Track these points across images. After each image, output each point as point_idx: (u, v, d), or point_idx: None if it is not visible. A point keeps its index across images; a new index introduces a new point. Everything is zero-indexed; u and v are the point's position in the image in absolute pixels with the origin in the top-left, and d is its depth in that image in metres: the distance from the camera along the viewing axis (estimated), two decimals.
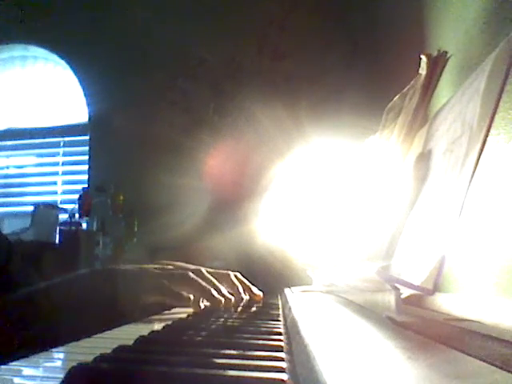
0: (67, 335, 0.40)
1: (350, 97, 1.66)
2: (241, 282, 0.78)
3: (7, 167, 2.32)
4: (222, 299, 0.66)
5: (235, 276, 0.78)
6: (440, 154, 0.43)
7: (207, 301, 0.66)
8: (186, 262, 0.76)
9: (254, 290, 0.80)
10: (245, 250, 1.57)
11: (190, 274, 0.66)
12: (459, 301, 0.42)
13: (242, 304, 0.72)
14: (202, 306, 0.66)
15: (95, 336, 0.45)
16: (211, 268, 0.77)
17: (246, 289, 0.78)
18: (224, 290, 0.68)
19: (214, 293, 0.65)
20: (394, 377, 0.21)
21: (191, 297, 0.64)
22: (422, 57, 0.58)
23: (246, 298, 0.77)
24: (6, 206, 2.26)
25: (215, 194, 1.79)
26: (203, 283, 0.66)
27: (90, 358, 0.29)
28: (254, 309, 0.68)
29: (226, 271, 0.77)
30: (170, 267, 0.71)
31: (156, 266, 0.70)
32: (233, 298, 0.69)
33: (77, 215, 1.92)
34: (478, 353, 0.24)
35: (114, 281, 0.65)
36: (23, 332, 0.56)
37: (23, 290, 0.65)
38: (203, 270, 0.69)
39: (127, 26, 2.04)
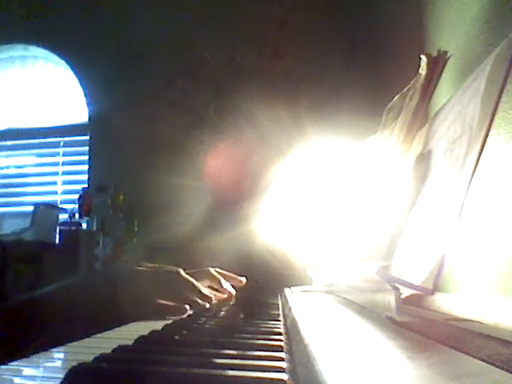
0: (66, 340, 0.40)
1: (349, 97, 1.66)
2: (222, 275, 0.80)
3: (7, 167, 2.32)
4: (207, 304, 0.66)
5: (216, 271, 0.80)
6: (440, 154, 0.43)
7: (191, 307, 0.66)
8: (182, 263, 0.76)
9: (236, 277, 0.82)
10: (245, 250, 1.57)
11: (176, 284, 0.66)
12: (459, 301, 0.42)
13: (231, 295, 0.73)
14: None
15: (95, 336, 0.45)
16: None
17: (229, 278, 0.81)
18: (204, 290, 0.68)
19: (199, 301, 0.66)
20: (394, 377, 0.21)
21: (187, 307, 0.65)
22: (422, 57, 0.58)
23: (230, 289, 0.79)
24: (6, 206, 2.26)
25: (215, 194, 1.79)
26: (188, 294, 0.66)
27: (90, 358, 0.29)
28: (254, 309, 0.68)
29: (204, 269, 0.79)
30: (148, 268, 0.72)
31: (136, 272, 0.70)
32: (213, 297, 0.70)
33: (77, 215, 1.92)
34: (478, 353, 0.24)
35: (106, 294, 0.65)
36: (24, 336, 0.56)
37: (24, 295, 0.65)
38: (181, 271, 0.69)
39: (127, 26, 2.04)
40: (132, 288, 0.65)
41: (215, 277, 0.78)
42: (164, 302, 0.65)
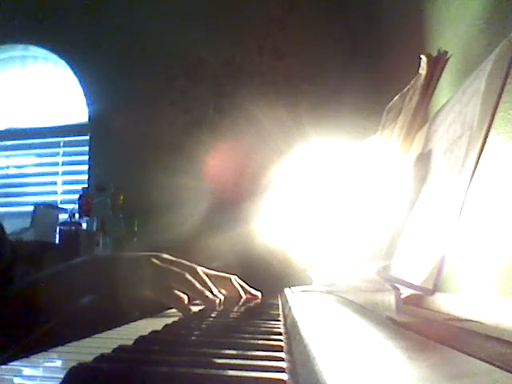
0: (68, 326, 0.41)
1: (349, 97, 1.66)
2: (241, 286, 0.80)
3: (7, 167, 2.32)
4: (217, 300, 0.66)
5: (235, 280, 0.80)
6: (440, 154, 0.43)
7: (200, 301, 0.66)
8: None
9: (253, 291, 0.82)
10: (245, 250, 1.57)
11: (187, 275, 0.66)
12: (459, 301, 0.42)
13: (240, 304, 0.72)
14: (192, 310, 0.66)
15: (95, 336, 0.45)
16: (212, 269, 0.78)
17: (246, 292, 0.81)
18: (215, 291, 0.68)
19: (208, 294, 0.66)
20: (394, 377, 0.21)
21: (185, 300, 0.64)
22: (422, 57, 0.58)
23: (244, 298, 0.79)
24: (6, 206, 2.26)
25: (215, 194, 1.79)
26: (198, 285, 0.66)
27: (90, 358, 0.29)
28: (254, 309, 0.68)
29: (227, 275, 0.79)
30: (168, 259, 0.72)
31: (155, 257, 0.71)
32: (222, 298, 0.69)
33: (77, 215, 1.92)
34: (478, 353, 0.24)
35: (112, 269, 0.66)
36: (26, 321, 0.56)
37: (24, 281, 0.66)
38: (199, 269, 0.70)
39: (127, 26, 2.04)
40: (124, 276, 0.65)
41: (235, 288, 0.78)
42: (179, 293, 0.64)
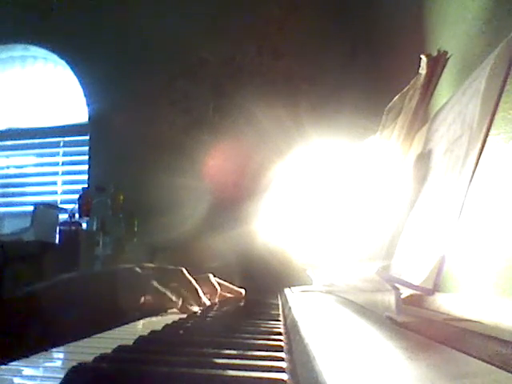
0: (59, 338, 0.40)
1: (349, 97, 1.66)
2: (220, 284, 0.82)
3: (7, 167, 2.32)
4: (207, 301, 0.67)
5: (216, 280, 0.81)
6: (440, 154, 0.43)
7: (192, 300, 0.67)
8: (182, 263, 0.77)
9: (235, 288, 0.85)
10: (245, 250, 1.57)
11: (184, 269, 0.67)
12: (459, 301, 0.42)
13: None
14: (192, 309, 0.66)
15: (95, 336, 0.45)
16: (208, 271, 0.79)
17: (226, 289, 0.83)
18: (201, 293, 0.69)
19: (201, 293, 0.67)
20: (394, 377, 0.21)
21: (174, 299, 0.65)
22: (422, 57, 0.58)
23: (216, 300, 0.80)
24: (6, 206, 2.26)
25: (215, 194, 1.79)
26: (193, 281, 0.67)
27: (90, 358, 0.29)
28: (254, 309, 0.68)
29: (203, 275, 0.80)
30: (150, 267, 0.72)
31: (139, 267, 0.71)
32: (208, 302, 0.70)
33: (77, 215, 1.92)
34: (478, 353, 0.24)
35: (102, 284, 0.66)
36: (18, 334, 0.56)
37: (16, 293, 0.66)
38: (184, 270, 0.70)
39: (127, 26, 2.04)
40: (129, 287, 0.65)
41: (212, 284, 0.79)
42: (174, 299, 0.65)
